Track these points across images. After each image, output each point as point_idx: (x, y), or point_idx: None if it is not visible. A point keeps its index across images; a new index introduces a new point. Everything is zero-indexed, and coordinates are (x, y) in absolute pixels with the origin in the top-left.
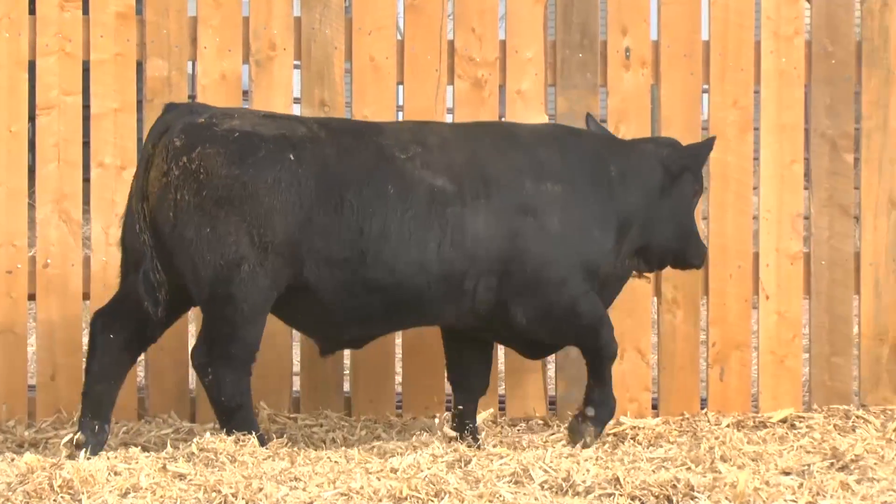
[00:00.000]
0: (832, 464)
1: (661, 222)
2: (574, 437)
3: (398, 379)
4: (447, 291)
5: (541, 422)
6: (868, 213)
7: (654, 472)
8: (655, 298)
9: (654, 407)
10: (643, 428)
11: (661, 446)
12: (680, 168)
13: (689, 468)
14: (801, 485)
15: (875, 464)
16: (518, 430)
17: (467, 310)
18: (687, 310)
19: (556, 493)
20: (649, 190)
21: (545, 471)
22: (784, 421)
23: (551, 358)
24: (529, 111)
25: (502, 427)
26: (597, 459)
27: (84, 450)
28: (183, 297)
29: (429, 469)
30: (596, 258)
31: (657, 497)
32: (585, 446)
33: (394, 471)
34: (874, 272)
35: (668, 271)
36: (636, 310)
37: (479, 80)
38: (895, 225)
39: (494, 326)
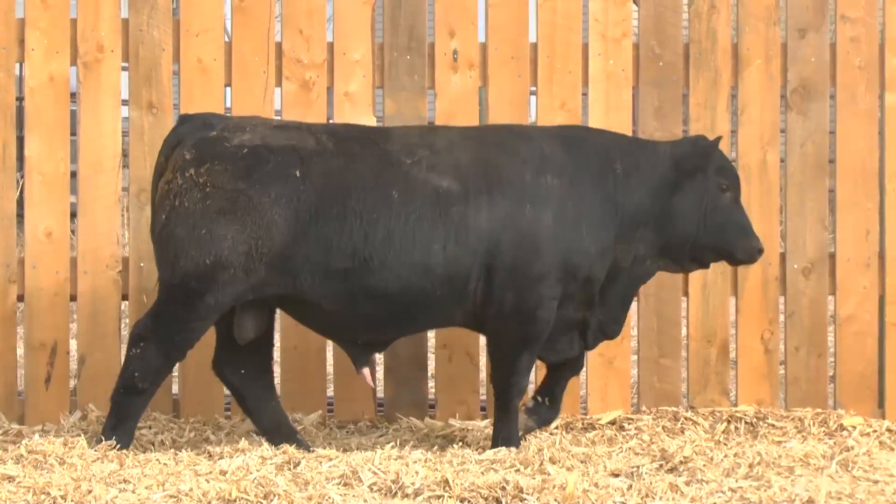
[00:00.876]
0: (661, 465)
1: (681, 220)
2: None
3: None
4: (452, 292)
5: (369, 424)
6: None
7: (482, 473)
8: None
9: (483, 409)
10: (472, 430)
11: (490, 448)
12: (692, 167)
13: (517, 470)
14: (631, 486)
15: (704, 465)
16: (347, 433)
17: (470, 310)
18: None
19: (385, 495)
20: (656, 189)
21: (374, 473)
22: (613, 423)
23: (380, 360)
24: (357, 113)
25: (331, 429)
26: (426, 461)
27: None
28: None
29: (258, 471)
30: (579, 259)
31: (486, 499)
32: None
33: (223, 473)
34: (702, 275)
35: None
36: None
37: (307, 82)
38: None
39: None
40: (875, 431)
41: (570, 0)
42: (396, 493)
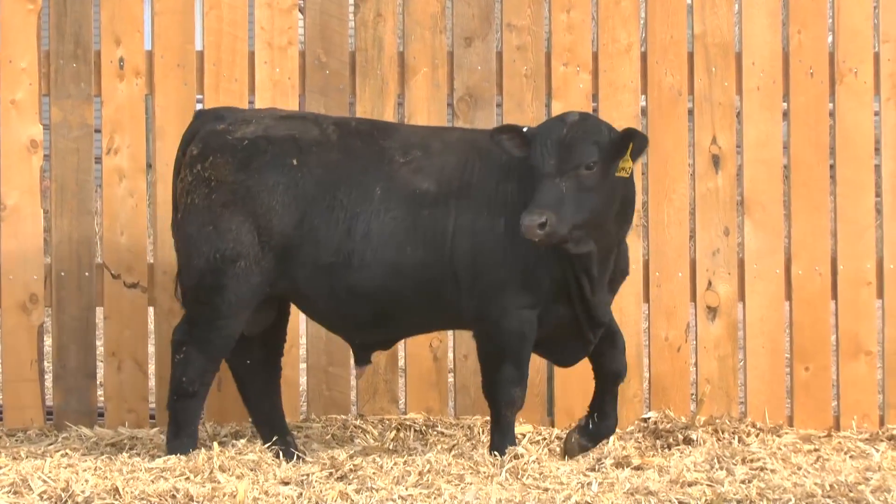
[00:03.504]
0: (331, 473)
1: None
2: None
3: None
4: (427, 297)
5: (38, 432)
6: None
7: (153, 482)
8: (152, 308)
9: (153, 417)
10: (142, 438)
11: (160, 456)
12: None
13: (188, 478)
14: (301, 494)
15: (374, 473)
16: (16, 441)
17: (458, 316)
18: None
19: (56, 503)
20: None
21: (44, 481)
22: None
23: (49, 368)
24: (24, 121)
25: (0, 437)
26: (95, 469)
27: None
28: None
29: None
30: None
31: None
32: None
33: None
34: None
35: (164, 282)
36: (134, 320)
37: None
38: None
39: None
40: (545, 439)
41: (236, 8)
42: (67, 501)
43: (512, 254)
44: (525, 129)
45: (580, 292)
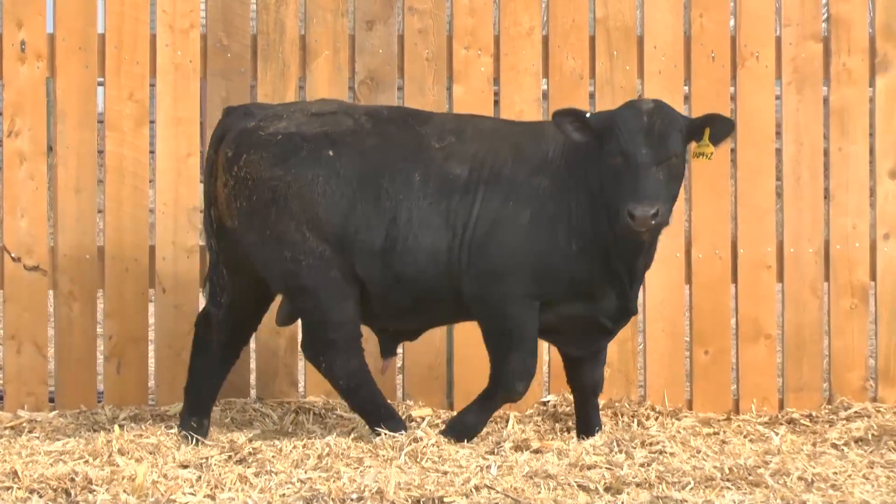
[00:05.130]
0: (230, 457)
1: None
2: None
3: None
4: (452, 283)
5: None
6: None
7: (52, 465)
8: (52, 291)
9: (52, 400)
10: (41, 421)
11: (59, 440)
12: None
13: (87, 461)
14: (200, 478)
15: (273, 457)
16: None
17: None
18: (84, 303)
19: None
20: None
21: None
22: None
23: None
24: None
25: None
26: None
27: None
28: (257, 296)
29: None
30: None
31: (55, 490)
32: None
33: None
34: None
35: (65, 265)
36: (33, 303)
37: None
38: None
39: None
40: (444, 423)
41: None
42: None
43: (530, 246)
44: (588, 115)
45: (619, 285)
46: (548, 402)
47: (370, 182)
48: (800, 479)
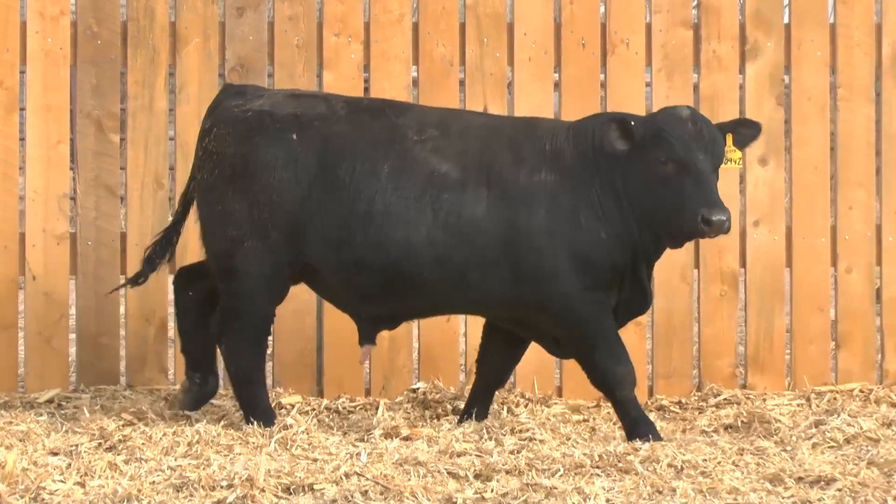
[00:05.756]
0: (100, 444)
1: (636, 198)
2: None
3: None
4: (444, 277)
5: None
6: (134, 193)
7: None
8: None
9: None
10: None
11: None
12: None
13: None
14: (70, 465)
15: (143, 444)
16: None
17: (477, 298)
18: None
19: None
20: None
21: None
22: (51, 401)
23: None
24: None
25: None
26: None
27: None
28: None
29: None
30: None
31: None
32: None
33: None
34: (140, 252)
35: None
36: None
37: None
38: (161, 205)
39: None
40: (314, 410)
41: None
42: None
43: (559, 242)
44: (632, 122)
45: (638, 278)
46: (417, 389)
47: (330, 169)
48: (669, 465)
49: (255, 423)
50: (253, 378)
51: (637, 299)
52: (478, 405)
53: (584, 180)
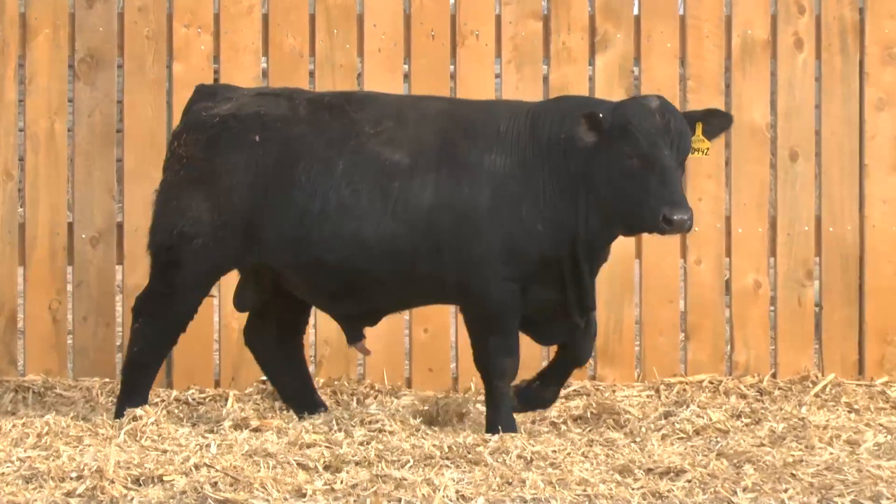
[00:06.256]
0: None
1: (597, 187)
2: None
3: None
4: (397, 270)
5: None
6: None
7: None
8: None
9: None
10: None
11: None
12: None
13: None
14: None
15: None
16: None
17: (437, 290)
18: None
19: None
20: (580, 155)
21: None
22: None
23: None
24: None
25: None
26: None
27: None
28: None
29: None
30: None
31: None
32: None
33: None
34: None
35: None
36: None
37: None
38: (11, 196)
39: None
40: (163, 401)
41: None
42: None
43: (496, 227)
44: (601, 116)
45: (578, 277)
46: (267, 381)
47: (286, 171)
48: (519, 457)
49: (119, 407)
50: (149, 365)
51: (580, 296)
52: (555, 377)
53: (534, 167)
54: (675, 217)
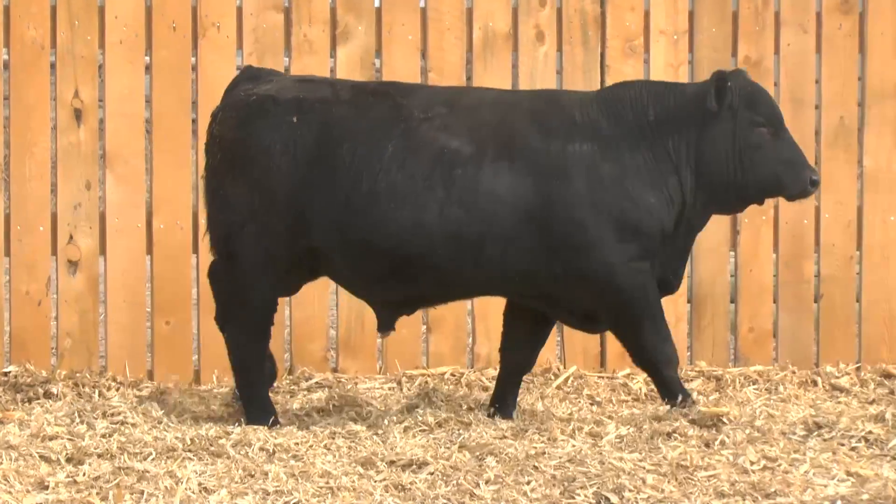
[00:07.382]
0: None
1: (714, 163)
2: None
3: None
4: (458, 254)
5: None
6: None
7: None
8: None
9: None
10: None
11: None
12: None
13: None
14: None
15: None
16: None
17: (497, 277)
18: None
19: None
20: (688, 132)
21: None
22: None
23: None
24: None
25: None
26: None
27: None
28: None
29: None
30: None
31: None
32: None
33: None
34: None
35: None
36: None
37: None
38: None
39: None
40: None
41: None
42: None
43: (602, 210)
44: (729, 85)
45: (682, 251)
46: (9, 372)
47: (329, 152)
48: (261, 449)
49: (250, 417)
50: (252, 367)
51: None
52: (508, 394)
53: (626, 149)
54: (817, 178)
